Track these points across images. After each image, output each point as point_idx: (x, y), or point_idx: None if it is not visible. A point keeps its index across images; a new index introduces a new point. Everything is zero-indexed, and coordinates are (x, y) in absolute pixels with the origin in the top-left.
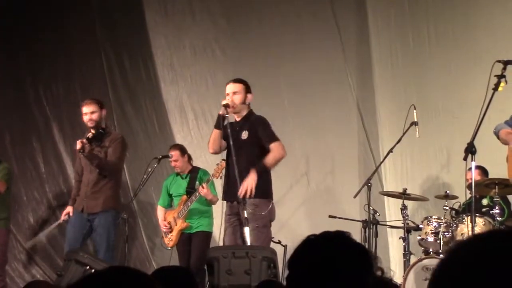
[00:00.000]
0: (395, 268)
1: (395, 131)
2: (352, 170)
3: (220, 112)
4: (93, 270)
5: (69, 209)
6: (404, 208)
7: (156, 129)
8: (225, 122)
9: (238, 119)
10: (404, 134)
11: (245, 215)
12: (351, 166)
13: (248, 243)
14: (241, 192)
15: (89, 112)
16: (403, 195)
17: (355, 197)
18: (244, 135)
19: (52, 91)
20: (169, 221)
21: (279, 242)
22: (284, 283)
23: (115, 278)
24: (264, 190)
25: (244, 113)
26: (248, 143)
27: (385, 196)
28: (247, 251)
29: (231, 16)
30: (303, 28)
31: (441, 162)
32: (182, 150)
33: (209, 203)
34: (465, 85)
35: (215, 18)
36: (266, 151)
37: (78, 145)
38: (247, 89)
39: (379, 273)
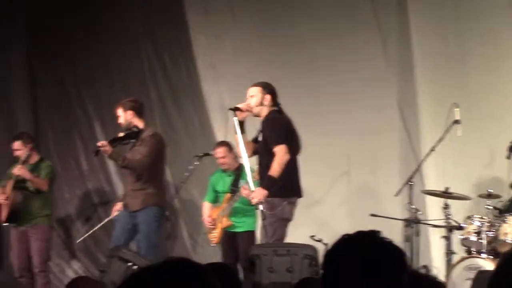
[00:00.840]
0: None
1: (437, 129)
2: (393, 169)
3: (235, 117)
4: (135, 267)
5: (118, 205)
6: (446, 207)
7: (197, 127)
8: (236, 125)
9: (261, 122)
10: (446, 132)
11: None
12: (392, 165)
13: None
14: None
15: (118, 115)
16: (445, 193)
17: (396, 195)
18: (260, 136)
19: (94, 90)
20: (214, 218)
21: (320, 241)
22: None
23: (174, 269)
24: (280, 188)
25: (264, 114)
26: (262, 145)
27: (427, 195)
28: (288, 249)
29: (271, 15)
30: (343, 27)
31: (484, 160)
32: (229, 146)
33: None
34: (508, 83)
35: (255, 17)
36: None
37: (99, 145)
38: (265, 91)
39: (423, 270)
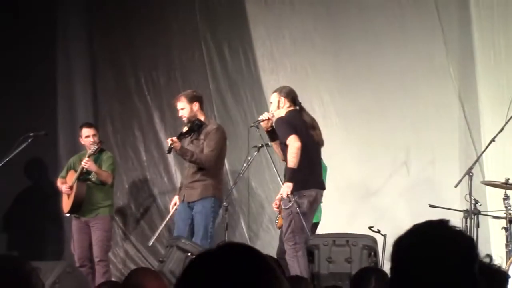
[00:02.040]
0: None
1: (497, 120)
2: (453, 160)
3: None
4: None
5: (175, 199)
6: (506, 198)
7: (256, 118)
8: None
9: None
10: (507, 123)
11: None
12: (452, 156)
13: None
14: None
15: (179, 109)
16: (506, 185)
17: (456, 186)
18: None
19: (153, 80)
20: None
21: (379, 232)
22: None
23: (235, 253)
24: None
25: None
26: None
27: (487, 186)
28: (347, 239)
29: (330, 5)
30: (404, 17)
31: None
32: None
33: None
34: None
35: (314, 7)
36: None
37: (166, 142)
38: (280, 94)
39: (487, 260)
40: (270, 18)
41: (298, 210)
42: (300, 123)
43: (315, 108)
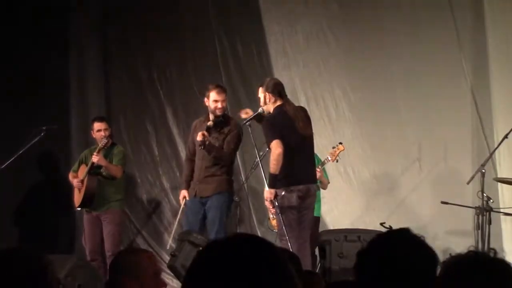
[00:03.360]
0: (508, 256)
1: (510, 117)
2: (465, 156)
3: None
4: None
5: (184, 193)
6: None
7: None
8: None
9: None
10: None
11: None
12: (464, 152)
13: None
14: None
15: (220, 100)
16: None
17: (468, 183)
18: None
19: (165, 76)
20: None
21: (390, 228)
22: None
23: (244, 244)
24: (279, 180)
25: (270, 111)
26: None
27: (499, 183)
28: (359, 235)
29: (343, 1)
30: (416, 13)
31: None
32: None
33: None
34: None
35: (327, 4)
36: None
37: (200, 137)
38: (265, 89)
39: (492, 253)
40: (283, 13)
41: (286, 206)
42: (286, 121)
43: (328, 103)
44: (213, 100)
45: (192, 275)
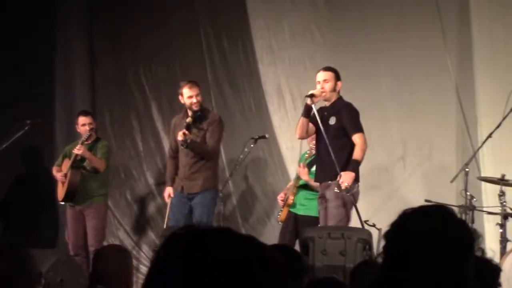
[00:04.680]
0: (489, 255)
1: (494, 116)
2: (450, 155)
3: (308, 102)
4: None
5: (169, 189)
6: (502, 194)
7: (253, 110)
8: (312, 112)
9: (328, 105)
10: (504, 118)
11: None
12: (448, 151)
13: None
14: (341, 185)
15: (194, 95)
16: (502, 181)
17: (452, 181)
18: (332, 120)
19: (151, 71)
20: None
21: (374, 225)
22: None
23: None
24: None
25: (334, 99)
26: (335, 129)
27: (483, 182)
28: (342, 232)
29: None
30: (403, 10)
31: None
32: None
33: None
34: None
35: (314, 1)
36: (350, 139)
37: (181, 137)
38: (337, 77)
39: (479, 253)
40: (270, 10)
41: (353, 200)
42: None
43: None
44: (187, 96)
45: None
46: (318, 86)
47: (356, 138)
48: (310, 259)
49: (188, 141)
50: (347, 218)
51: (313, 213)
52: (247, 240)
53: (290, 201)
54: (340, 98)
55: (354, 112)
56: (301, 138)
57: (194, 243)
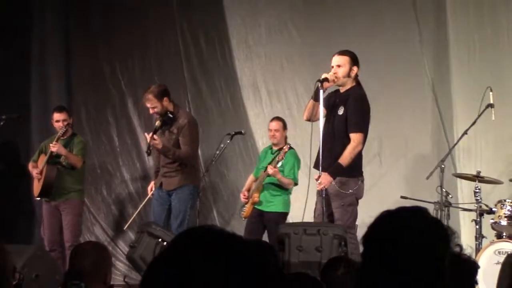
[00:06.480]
0: (465, 251)
1: (470, 113)
2: (425, 152)
3: (319, 86)
4: (165, 243)
5: (152, 184)
6: (477, 190)
7: (230, 106)
8: (321, 96)
9: (342, 91)
10: (479, 116)
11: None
12: (424, 148)
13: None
14: (318, 185)
15: (151, 107)
16: (477, 177)
17: (427, 178)
18: (340, 110)
19: (127, 67)
20: (248, 191)
21: None
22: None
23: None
24: (352, 168)
25: (349, 86)
26: (341, 120)
27: (458, 178)
28: (318, 228)
29: None
30: (380, 10)
31: None
32: (285, 124)
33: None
34: None
35: None
36: None
37: (148, 140)
38: (353, 62)
39: (457, 249)
40: (246, 6)
41: (360, 196)
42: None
43: (290, 98)
44: (148, 108)
45: (154, 267)
46: (331, 72)
47: (352, 136)
48: (286, 255)
49: (151, 148)
50: (355, 215)
51: (279, 209)
52: (247, 241)
53: (256, 199)
54: (355, 86)
55: (360, 107)
56: (308, 120)
57: (194, 243)
